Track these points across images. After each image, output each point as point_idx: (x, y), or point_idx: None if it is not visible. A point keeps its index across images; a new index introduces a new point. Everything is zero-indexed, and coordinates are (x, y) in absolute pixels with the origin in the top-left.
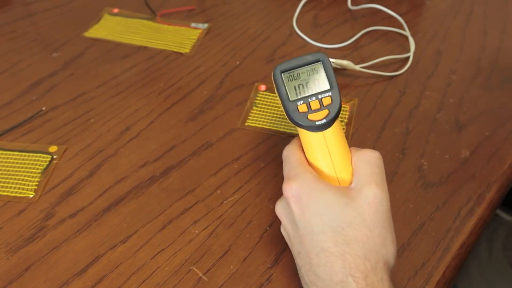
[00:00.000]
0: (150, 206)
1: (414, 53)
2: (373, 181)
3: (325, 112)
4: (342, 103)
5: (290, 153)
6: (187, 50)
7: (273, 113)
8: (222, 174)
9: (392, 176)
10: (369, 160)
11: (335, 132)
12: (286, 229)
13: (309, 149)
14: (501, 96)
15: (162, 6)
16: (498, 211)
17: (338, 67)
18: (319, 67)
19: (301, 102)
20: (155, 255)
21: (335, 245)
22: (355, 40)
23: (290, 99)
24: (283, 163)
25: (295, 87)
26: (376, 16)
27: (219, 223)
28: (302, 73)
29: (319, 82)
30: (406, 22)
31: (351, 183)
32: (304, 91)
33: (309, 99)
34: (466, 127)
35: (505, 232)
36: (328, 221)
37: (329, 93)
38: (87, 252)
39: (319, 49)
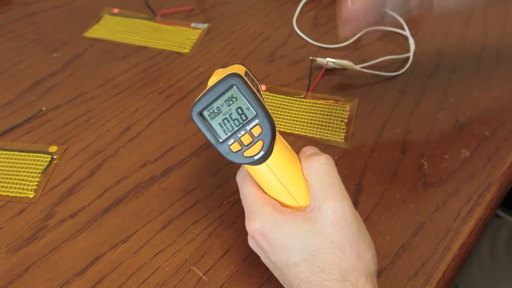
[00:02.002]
0: (150, 206)
1: (414, 53)
2: (328, 195)
3: (260, 144)
4: (275, 124)
5: (242, 182)
6: (187, 50)
7: (273, 113)
8: (222, 174)
9: (392, 176)
10: (317, 172)
11: (278, 157)
12: (265, 261)
13: (259, 180)
14: (501, 96)
15: (162, 6)
16: (500, 212)
17: (338, 67)
18: (236, 93)
19: (232, 140)
20: (155, 255)
21: (312, 274)
22: (355, 40)
23: (220, 139)
24: (239, 191)
25: (220, 124)
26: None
27: (219, 223)
28: (221, 106)
29: (242, 109)
30: (406, 22)
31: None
32: (231, 126)
33: (238, 135)
34: (466, 127)
35: (507, 233)
36: (298, 253)
37: (257, 121)
38: (87, 252)
39: (319, 49)
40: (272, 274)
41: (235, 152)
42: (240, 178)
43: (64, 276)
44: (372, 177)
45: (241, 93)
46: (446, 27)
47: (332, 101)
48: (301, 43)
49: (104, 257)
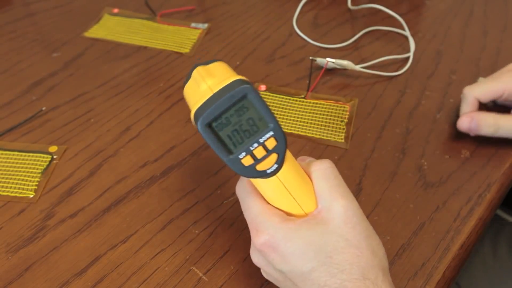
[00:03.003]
0: (150, 206)
1: (414, 53)
2: (337, 194)
3: (274, 156)
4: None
5: (243, 194)
6: (187, 50)
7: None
8: (222, 174)
9: (392, 176)
10: (324, 174)
11: (288, 168)
12: (272, 275)
13: (265, 194)
14: None
15: (162, 6)
16: (502, 213)
17: (338, 67)
18: (247, 103)
19: (244, 154)
20: (155, 255)
21: (331, 277)
22: (355, 40)
23: (230, 153)
24: (241, 204)
25: (229, 136)
26: (376, 16)
27: (219, 223)
28: (230, 116)
29: (254, 121)
30: (406, 22)
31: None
32: (241, 137)
33: (250, 148)
34: None
35: (510, 233)
36: (314, 257)
37: (271, 133)
38: (87, 252)
39: (319, 49)
40: None
41: (247, 166)
42: (240, 190)
43: (64, 276)
44: (372, 177)
45: (254, 103)
46: (446, 27)
47: (332, 101)
48: (301, 43)
49: (104, 257)
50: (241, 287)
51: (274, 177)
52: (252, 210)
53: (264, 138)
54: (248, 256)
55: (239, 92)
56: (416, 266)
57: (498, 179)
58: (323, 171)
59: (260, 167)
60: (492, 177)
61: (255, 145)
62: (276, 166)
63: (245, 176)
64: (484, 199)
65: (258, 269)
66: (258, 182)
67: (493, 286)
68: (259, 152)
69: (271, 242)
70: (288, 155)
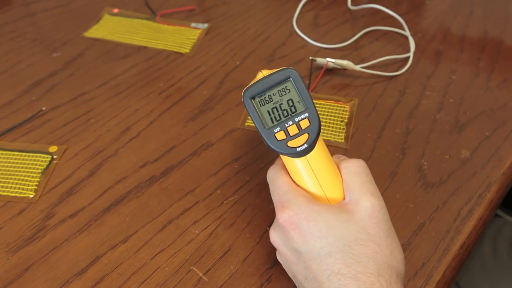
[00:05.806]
0: (150, 206)
1: (414, 53)
2: (367, 191)
3: (305, 136)
4: (321, 120)
5: (275, 175)
6: (187, 50)
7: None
8: (222, 174)
9: (392, 176)
10: (356, 171)
11: (318, 153)
12: (286, 256)
13: (294, 174)
14: (501, 96)
15: (162, 6)
16: (502, 213)
17: (338, 67)
18: (290, 86)
19: (278, 129)
20: (155, 255)
21: (346, 266)
22: (355, 40)
23: (266, 126)
24: (270, 186)
25: (268, 112)
26: (376, 16)
27: (219, 223)
28: (273, 94)
29: (293, 102)
30: (406, 22)
31: (343, 198)
32: (279, 115)
33: (285, 124)
34: (466, 127)
35: (510, 232)
36: (334, 242)
37: (306, 114)
38: (87, 252)
39: (319, 49)
40: (272, 274)
41: (279, 140)
42: (272, 173)
43: (64, 276)
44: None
45: (295, 86)
46: (446, 27)
47: (332, 101)
48: (301, 43)
49: (104, 257)
50: (241, 287)
51: (303, 157)
52: (281, 189)
53: (299, 118)
54: (248, 256)
55: (284, 74)
56: (416, 266)
57: (498, 179)
58: (355, 168)
59: (291, 143)
60: (492, 177)
61: (290, 123)
62: (306, 146)
63: (276, 151)
64: (484, 199)
65: (258, 269)
66: (289, 161)
67: (493, 286)
68: (293, 129)
69: (294, 220)
70: (321, 143)
